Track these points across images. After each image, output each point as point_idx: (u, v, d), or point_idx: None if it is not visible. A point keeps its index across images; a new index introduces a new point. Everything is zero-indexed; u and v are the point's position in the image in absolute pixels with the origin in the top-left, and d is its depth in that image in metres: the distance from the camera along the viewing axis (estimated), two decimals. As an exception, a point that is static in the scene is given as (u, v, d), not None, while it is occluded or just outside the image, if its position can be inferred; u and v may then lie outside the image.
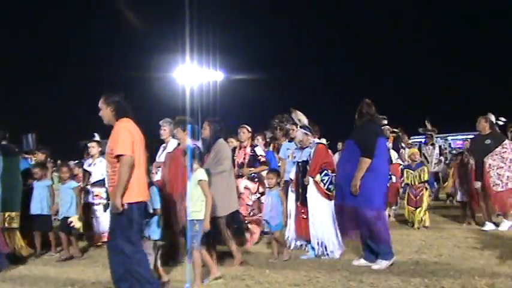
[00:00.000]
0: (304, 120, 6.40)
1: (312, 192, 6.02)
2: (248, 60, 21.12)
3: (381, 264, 5.28)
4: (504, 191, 7.39)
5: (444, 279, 4.70)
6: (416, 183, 8.00)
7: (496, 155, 7.48)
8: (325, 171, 5.99)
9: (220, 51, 19.54)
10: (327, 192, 5.94)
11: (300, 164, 6.25)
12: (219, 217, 5.46)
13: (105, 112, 4.30)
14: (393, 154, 8.69)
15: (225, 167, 5.63)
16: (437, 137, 9.80)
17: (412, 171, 8.07)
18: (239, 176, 6.98)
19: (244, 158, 7.23)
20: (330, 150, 6.89)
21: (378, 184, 5.35)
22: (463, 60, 23.59)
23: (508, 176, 7.38)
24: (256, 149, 7.26)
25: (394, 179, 8.06)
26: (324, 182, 5.95)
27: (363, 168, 5.26)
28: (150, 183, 4.85)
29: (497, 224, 7.58)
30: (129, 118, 4.30)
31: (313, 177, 6.01)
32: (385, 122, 9.40)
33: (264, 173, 6.82)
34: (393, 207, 8.98)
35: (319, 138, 6.64)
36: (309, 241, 6.10)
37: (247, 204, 6.98)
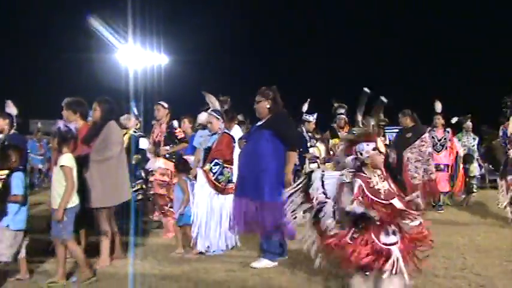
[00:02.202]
0: (216, 104, 6.03)
1: (200, 182, 5.57)
2: (193, 43, 20.39)
3: (261, 262, 4.97)
4: (421, 184, 7.55)
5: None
6: None
7: (415, 148, 7.65)
8: (216, 161, 5.59)
9: (165, 34, 18.85)
10: (215, 182, 5.53)
11: (205, 151, 5.89)
12: (101, 208, 5.02)
13: None
14: None
15: (113, 152, 5.07)
16: (388, 129, 9.47)
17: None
18: (156, 156, 6.63)
19: (160, 136, 6.73)
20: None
21: (280, 177, 4.96)
22: (409, 52, 23.51)
23: (425, 169, 7.59)
24: (173, 124, 6.88)
25: None
26: (214, 171, 5.55)
27: (292, 162, 5.04)
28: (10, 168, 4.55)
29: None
30: None
31: (202, 167, 5.65)
32: (342, 110, 9.15)
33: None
34: None
35: (238, 125, 6.43)
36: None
37: (160, 194, 6.56)
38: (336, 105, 9.23)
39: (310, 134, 8.37)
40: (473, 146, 9.92)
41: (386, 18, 24.28)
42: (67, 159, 4.49)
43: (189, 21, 21.20)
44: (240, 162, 5.29)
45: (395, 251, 3.24)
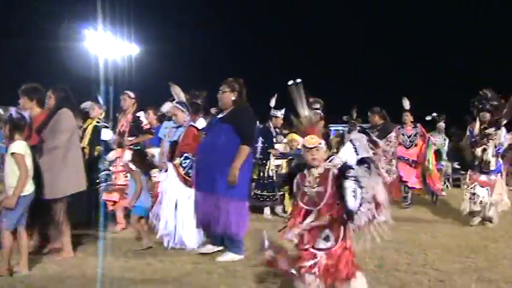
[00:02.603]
0: (181, 96, 5.94)
1: (170, 176, 5.47)
2: (164, 33, 20.13)
3: (227, 256, 4.93)
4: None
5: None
6: None
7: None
8: (186, 155, 5.48)
9: (136, 23, 18.52)
10: (185, 177, 5.42)
11: (171, 144, 5.74)
12: (51, 200, 4.85)
13: None
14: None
15: (60, 141, 4.87)
16: (360, 127, 9.53)
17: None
18: (119, 147, 6.51)
19: (125, 126, 6.57)
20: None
21: (243, 173, 4.91)
22: (381, 50, 23.82)
23: (387, 170, 7.58)
24: (139, 114, 6.74)
25: None
26: (184, 166, 5.45)
27: (242, 157, 4.88)
28: None
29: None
30: None
31: (172, 161, 5.54)
32: (317, 105, 9.09)
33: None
34: None
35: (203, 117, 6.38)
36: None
37: (118, 184, 6.47)
38: (310, 100, 9.23)
39: (277, 129, 8.27)
40: (443, 145, 10.11)
41: (354, 16, 24.53)
42: (18, 146, 4.37)
43: (161, 11, 20.92)
44: (199, 155, 5.17)
45: (320, 257, 3.10)
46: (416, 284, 4.24)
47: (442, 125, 9.97)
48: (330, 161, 3.27)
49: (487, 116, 7.05)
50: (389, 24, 24.07)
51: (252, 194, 7.42)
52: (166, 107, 6.35)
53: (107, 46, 17.62)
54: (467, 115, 7.51)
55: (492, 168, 6.97)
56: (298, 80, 3.28)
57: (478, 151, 7.00)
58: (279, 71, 21.56)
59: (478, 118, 7.14)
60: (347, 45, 23.38)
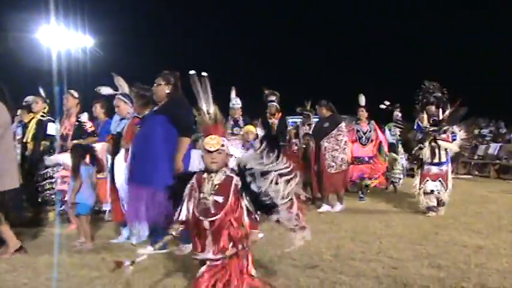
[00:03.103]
0: (125, 88, 5.78)
1: (119, 170, 5.35)
2: (119, 26, 19.64)
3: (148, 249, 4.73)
4: (337, 173, 7.67)
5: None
6: None
7: (332, 137, 7.69)
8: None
9: (89, 15, 17.95)
10: None
11: (115, 136, 5.60)
12: None
13: None
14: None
15: None
16: (315, 118, 9.59)
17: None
18: (63, 150, 6.25)
19: (68, 129, 6.34)
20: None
21: (172, 165, 4.77)
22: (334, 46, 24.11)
23: (341, 158, 7.67)
24: (81, 117, 6.50)
25: None
26: None
27: (183, 149, 4.79)
28: None
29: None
30: None
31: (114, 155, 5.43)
32: (273, 98, 9.16)
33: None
34: None
35: None
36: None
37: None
38: (266, 92, 9.27)
39: (235, 121, 8.21)
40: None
41: (311, 9, 24.77)
42: None
43: (116, 2, 20.42)
44: (132, 147, 5.05)
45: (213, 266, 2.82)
46: (371, 272, 4.35)
47: (398, 114, 10.13)
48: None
49: (433, 108, 7.29)
50: (342, 18, 24.46)
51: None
52: (106, 90, 6.12)
53: (59, 37, 17.02)
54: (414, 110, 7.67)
55: (443, 160, 7.23)
56: (204, 74, 2.98)
57: (426, 147, 7.24)
58: (234, 64, 21.60)
59: (424, 111, 7.37)
60: (305, 38, 23.57)
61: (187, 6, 22.37)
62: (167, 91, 4.96)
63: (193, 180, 2.91)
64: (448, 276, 4.22)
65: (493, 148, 14.28)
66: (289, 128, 10.06)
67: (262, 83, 9.55)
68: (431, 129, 7.22)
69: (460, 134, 7.38)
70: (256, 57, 23.29)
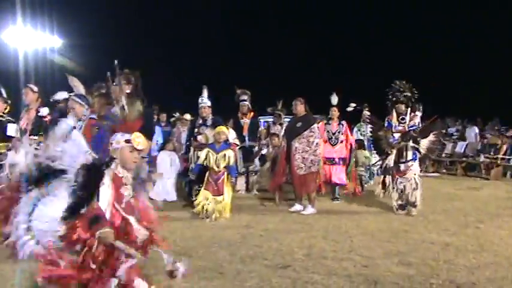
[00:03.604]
0: (80, 89, 5.63)
1: None
2: (88, 25, 19.27)
3: None
4: (306, 174, 7.48)
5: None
6: (221, 166, 6.95)
7: (304, 138, 7.51)
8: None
9: (57, 14, 17.55)
10: None
11: None
12: None
13: None
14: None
15: None
16: (286, 118, 9.65)
17: (214, 153, 6.99)
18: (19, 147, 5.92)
19: (26, 124, 6.23)
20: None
21: None
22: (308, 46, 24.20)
23: (311, 160, 7.46)
24: (42, 111, 6.30)
25: None
26: None
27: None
28: None
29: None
30: None
31: None
32: (245, 97, 9.19)
33: None
34: None
35: None
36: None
37: None
38: (238, 91, 9.25)
39: (203, 120, 8.00)
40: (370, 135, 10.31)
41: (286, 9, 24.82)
42: None
43: (85, 3, 20.02)
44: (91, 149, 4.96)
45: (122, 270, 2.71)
46: (343, 271, 4.40)
47: (366, 113, 10.16)
48: None
49: (402, 107, 7.43)
50: (319, 19, 24.56)
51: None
52: (60, 95, 6.03)
53: (26, 38, 16.62)
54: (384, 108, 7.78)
55: (409, 158, 7.37)
56: (126, 71, 2.96)
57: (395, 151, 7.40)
58: (206, 63, 21.47)
59: (394, 110, 7.50)
60: (281, 37, 23.54)
61: (156, 6, 22.19)
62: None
63: (111, 175, 2.76)
64: (418, 273, 4.32)
65: (460, 146, 14.66)
66: (260, 128, 10.09)
67: (235, 83, 9.55)
68: (402, 139, 7.36)
69: (429, 137, 7.52)
70: (228, 55, 23.18)
